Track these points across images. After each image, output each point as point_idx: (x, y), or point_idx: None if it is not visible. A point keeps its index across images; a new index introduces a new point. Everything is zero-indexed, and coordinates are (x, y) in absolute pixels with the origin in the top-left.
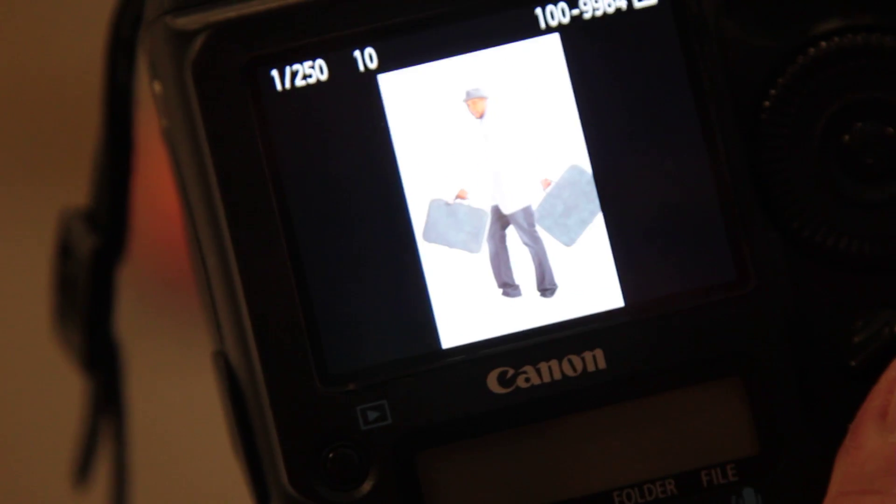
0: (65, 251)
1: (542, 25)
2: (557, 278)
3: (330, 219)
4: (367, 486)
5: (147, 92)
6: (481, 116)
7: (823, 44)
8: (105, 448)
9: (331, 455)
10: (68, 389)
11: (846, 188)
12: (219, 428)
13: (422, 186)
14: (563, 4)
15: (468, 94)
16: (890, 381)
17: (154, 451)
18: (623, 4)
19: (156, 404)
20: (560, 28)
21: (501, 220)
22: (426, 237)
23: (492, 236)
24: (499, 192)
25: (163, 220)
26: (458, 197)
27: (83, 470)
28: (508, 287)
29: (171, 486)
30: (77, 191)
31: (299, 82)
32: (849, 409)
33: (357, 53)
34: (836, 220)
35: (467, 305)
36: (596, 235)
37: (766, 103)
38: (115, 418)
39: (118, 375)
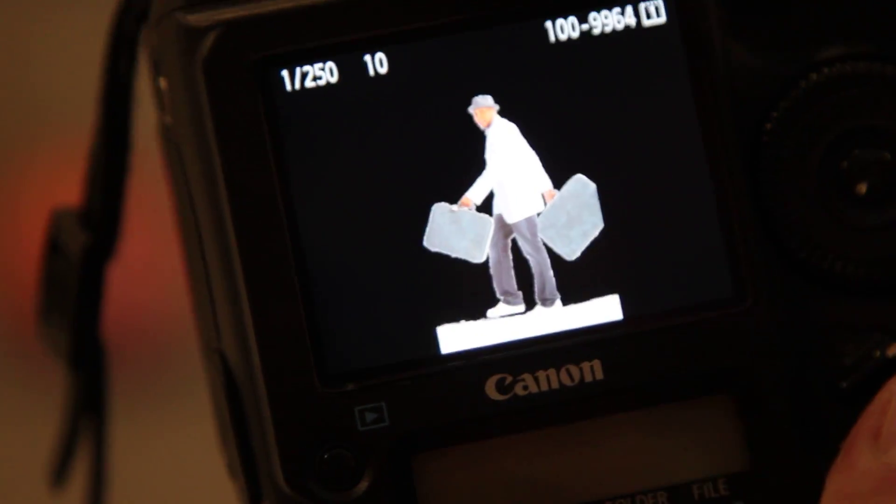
0: (54, 249)
1: (552, 39)
2: (558, 289)
3: (335, 220)
4: (362, 487)
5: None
6: (488, 126)
7: (826, 69)
8: (84, 449)
9: (326, 455)
10: None
11: (843, 212)
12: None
13: (427, 193)
14: (573, 19)
15: (476, 103)
16: (883, 403)
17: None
18: (632, 22)
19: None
20: (569, 43)
21: (505, 230)
22: (429, 243)
23: (494, 245)
24: (503, 202)
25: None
26: (462, 204)
27: (61, 470)
28: (509, 295)
29: None
30: None
31: (309, 83)
32: (840, 428)
33: (367, 58)
34: (831, 244)
35: (468, 312)
36: (598, 248)
37: (768, 125)
38: (96, 418)
39: (103, 375)
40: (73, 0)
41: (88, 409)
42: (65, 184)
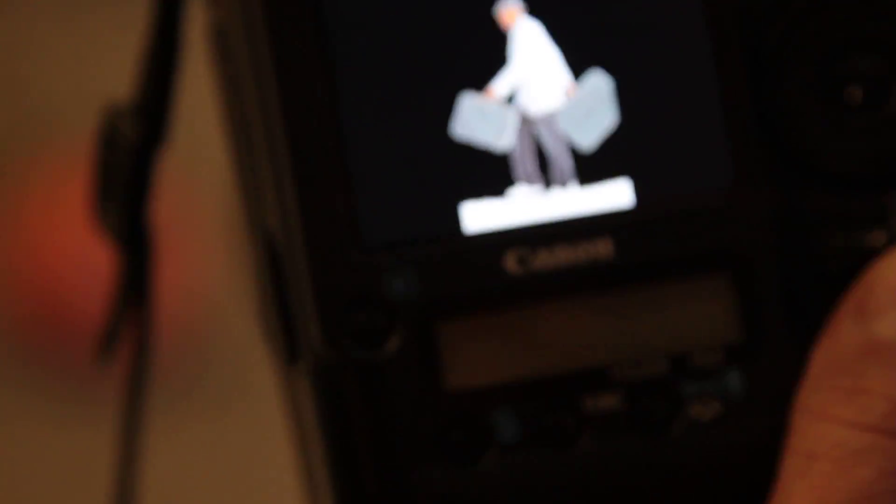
0: (107, 140)
1: None
2: (576, 176)
3: (374, 103)
4: (391, 347)
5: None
6: (513, 25)
7: None
8: (129, 329)
9: (360, 317)
10: None
11: (839, 114)
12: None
13: (454, 83)
14: None
15: (502, 3)
16: (868, 281)
17: None
18: None
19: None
20: None
21: (527, 121)
22: (456, 130)
23: (517, 134)
24: (526, 96)
25: (42, 269)
26: (487, 95)
27: (107, 344)
28: (529, 177)
29: None
30: None
31: None
32: (827, 308)
33: None
34: (827, 143)
35: (490, 191)
36: (613, 139)
37: (771, 34)
38: (141, 299)
39: (150, 256)
40: (76, 7)
41: (135, 291)
42: (67, 190)
